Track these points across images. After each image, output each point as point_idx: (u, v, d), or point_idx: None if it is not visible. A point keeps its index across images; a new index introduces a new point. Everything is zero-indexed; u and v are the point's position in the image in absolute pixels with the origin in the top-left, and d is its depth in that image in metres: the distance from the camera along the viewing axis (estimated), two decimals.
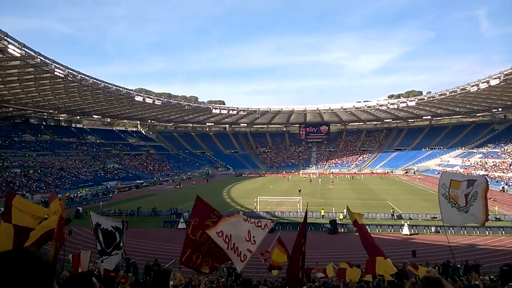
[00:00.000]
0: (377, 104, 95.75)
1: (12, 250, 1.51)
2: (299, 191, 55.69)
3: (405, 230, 30.25)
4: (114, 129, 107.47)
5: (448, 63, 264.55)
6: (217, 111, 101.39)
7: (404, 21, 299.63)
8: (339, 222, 33.75)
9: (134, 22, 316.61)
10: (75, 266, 11.42)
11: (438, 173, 78.80)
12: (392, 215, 36.15)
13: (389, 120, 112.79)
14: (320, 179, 77.46)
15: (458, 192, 7.69)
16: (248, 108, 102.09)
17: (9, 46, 40.85)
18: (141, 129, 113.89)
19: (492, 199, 44.00)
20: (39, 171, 60.49)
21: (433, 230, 30.58)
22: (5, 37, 39.75)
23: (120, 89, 67.78)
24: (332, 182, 71.54)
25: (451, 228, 30.59)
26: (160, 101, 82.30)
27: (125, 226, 8.47)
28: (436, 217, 34.54)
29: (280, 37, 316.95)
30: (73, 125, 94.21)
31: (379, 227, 32.27)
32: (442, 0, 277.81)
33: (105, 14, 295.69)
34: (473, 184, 7.71)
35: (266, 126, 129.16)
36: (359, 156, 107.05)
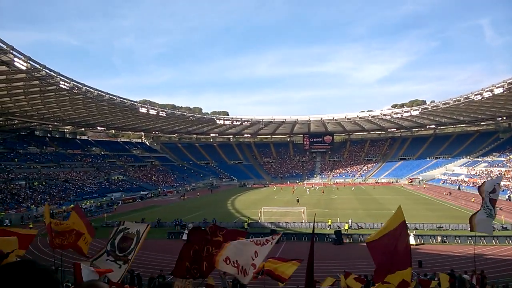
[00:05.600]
0: (381, 114, 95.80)
1: (18, 261, 1.54)
2: (297, 201, 55.66)
3: (411, 240, 29.91)
4: (118, 140, 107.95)
5: (452, 73, 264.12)
6: (221, 122, 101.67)
7: (409, 31, 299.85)
8: (345, 232, 33.50)
9: (141, 34, 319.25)
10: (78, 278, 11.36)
11: (444, 182, 78.33)
12: None
13: (393, 129, 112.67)
14: (307, 189, 78.15)
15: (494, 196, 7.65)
16: (252, 119, 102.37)
17: (15, 59, 41.44)
18: (145, 141, 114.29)
19: (498, 208, 43.59)
20: (44, 183, 60.67)
21: (439, 240, 30.29)
22: (11, 51, 40.32)
23: (125, 100, 68.28)
24: (323, 192, 71.40)
25: (457, 238, 30.35)
26: (164, 113, 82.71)
27: (147, 228, 8.52)
28: (442, 227, 34.28)
29: (285, 48, 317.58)
30: (78, 137, 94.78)
31: None
32: (446, 10, 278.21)
33: (113, 27, 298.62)
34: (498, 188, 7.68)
35: (270, 136, 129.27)
36: (364, 166, 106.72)
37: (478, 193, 8.18)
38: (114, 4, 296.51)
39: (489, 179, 65.06)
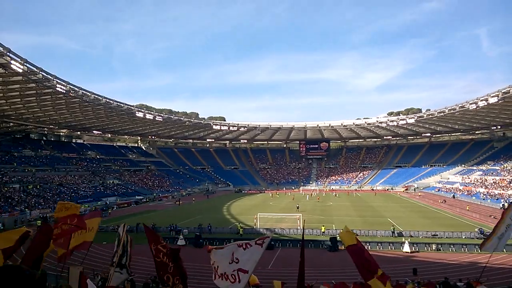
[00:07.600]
0: (377, 121, 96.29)
1: (4, 266, 1.55)
2: (297, 208, 55.55)
3: (406, 248, 30.02)
4: (114, 144, 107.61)
5: (449, 81, 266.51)
6: (218, 127, 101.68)
7: (407, 40, 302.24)
8: (340, 239, 33.45)
9: (141, 39, 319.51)
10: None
11: (438, 190, 78.57)
12: (393, 232, 35.87)
13: (389, 137, 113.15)
14: (307, 196, 78.60)
15: None
16: (248, 125, 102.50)
17: (12, 61, 41.39)
18: (141, 145, 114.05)
19: (492, 217, 43.76)
20: (38, 187, 60.22)
21: (434, 248, 30.34)
22: (8, 53, 40.31)
23: (121, 105, 68.17)
24: (318, 199, 71.71)
25: (452, 246, 30.42)
26: (161, 117, 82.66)
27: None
28: (437, 235, 34.34)
29: (284, 55, 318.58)
30: (74, 140, 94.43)
31: (379, 244, 32.00)
32: (445, 20, 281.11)
33: (114, 31, 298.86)
34: None
35: (266, 142, 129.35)
36: (360, 173, 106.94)
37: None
38: (115, 8, 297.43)
39: None
